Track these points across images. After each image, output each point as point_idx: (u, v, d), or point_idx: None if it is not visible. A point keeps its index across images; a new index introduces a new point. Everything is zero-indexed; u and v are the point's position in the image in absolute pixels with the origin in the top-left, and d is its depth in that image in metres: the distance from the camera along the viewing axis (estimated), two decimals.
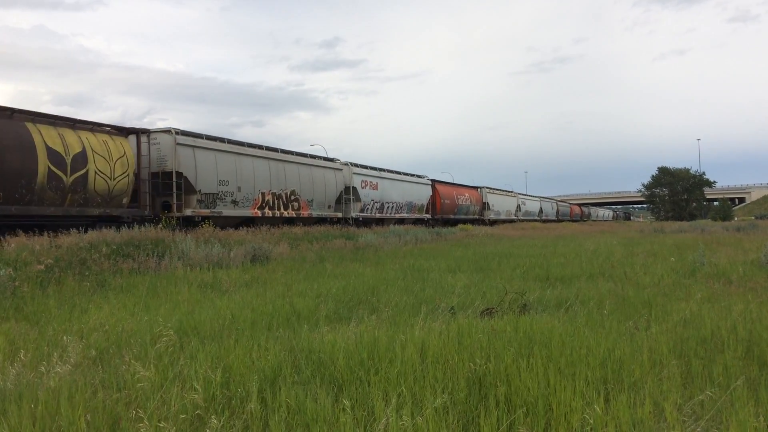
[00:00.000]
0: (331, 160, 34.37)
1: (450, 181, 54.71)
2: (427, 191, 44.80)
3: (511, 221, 59.71)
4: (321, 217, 31.21)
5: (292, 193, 28.85)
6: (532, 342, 5.32)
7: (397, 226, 33.83)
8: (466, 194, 52.04)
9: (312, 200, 30.53)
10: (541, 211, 75.65)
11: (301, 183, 29.56)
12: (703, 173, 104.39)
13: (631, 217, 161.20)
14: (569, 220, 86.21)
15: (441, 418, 3.66)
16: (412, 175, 43.23)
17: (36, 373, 4.69)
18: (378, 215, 37.08)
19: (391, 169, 40.04)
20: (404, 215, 40.39)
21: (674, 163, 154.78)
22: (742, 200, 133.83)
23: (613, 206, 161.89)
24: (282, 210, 28.04)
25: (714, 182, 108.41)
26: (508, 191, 65.42)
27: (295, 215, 28.78)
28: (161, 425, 3.58)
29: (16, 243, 12.60)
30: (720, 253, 15.39)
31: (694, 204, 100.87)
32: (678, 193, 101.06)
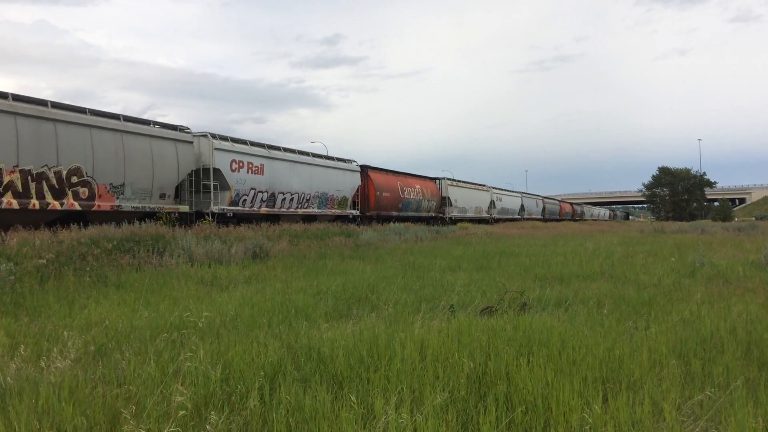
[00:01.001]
0: (174, 128, 22.88)
1: (410, 172, 43.66)
2: (354, 180, 33.77)
3: (483, 220, 52.21)
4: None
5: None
6: (531, 341, 5.33)
7: (298, 225, 24.30)
8: (417, 186, 41.96)
9: (121, 185, 19.72)
10: (522, 208, 67.58)
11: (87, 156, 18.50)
12: (704, 173, 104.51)
13: (630, 217, 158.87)
14: (557, 220, 79.06)
15: (440, 416, 3.67)
16: (329, 158, 32.74)
17: (36, 368, 4.70)
18: (264, 209, 26.27)
19: (296, 149, 29.95)
20: (313, 210, 29.82)
21: (675, 163, 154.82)
22: (742, 201, 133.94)
23: (614, 206, 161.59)
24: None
25: (715, 183, 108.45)
26: (480, 185, 55.75)
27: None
28: (160, 421, 3.59)
29: (18, 237, 12.60)
30: (720, 254, 15.40)
31: (695, 204, 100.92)
32: (678, 194, 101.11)
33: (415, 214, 40.86)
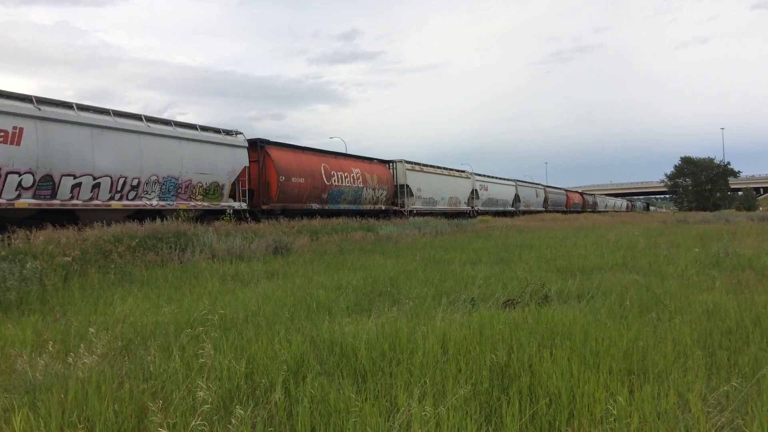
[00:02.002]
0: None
1: (347, 152, 36.55)
2: (237, 160, 23.76)
3: (460, 213, 43.97)
4: None
5: None
6: (554, 333, 5.31)
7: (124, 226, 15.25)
8: (355, 170, 31.18)
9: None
10: (517, 199, 58.83)
11: None
12: (728, 163, 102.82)
13: (650, 208, 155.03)
14: (563, 211, 70.62)
15: (463, 409, 3.67)
16: (190, 127, 22.26)
17: (64, 364, 4.78)
18: (25, 201, 15.89)
19: (115, 110, 19.30)
20: (147, 203, 19.65)
21: (697, 152, 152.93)
22: (767, 190, 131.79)
23: (635, 197, 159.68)
24: None
25: (738, 172, 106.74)
26: (458, 170, 46.38)
27: None
28: (187, 415, 3.63)
29: (44, 236, 12.80)
30: (745, 244, 15.18)
31: (718, 194, 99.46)
32: (701, 183, 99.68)
33: (352, 207, 30.83)
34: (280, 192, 25.48)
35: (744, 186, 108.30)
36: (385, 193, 34.72)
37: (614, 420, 3.56)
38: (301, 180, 26.94)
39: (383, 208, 34.53)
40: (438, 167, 42.24)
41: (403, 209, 36.18)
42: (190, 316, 6.67)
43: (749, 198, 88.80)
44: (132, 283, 10.10)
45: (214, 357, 4.79)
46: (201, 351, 4.88)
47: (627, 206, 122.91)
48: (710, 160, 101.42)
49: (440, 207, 41.25)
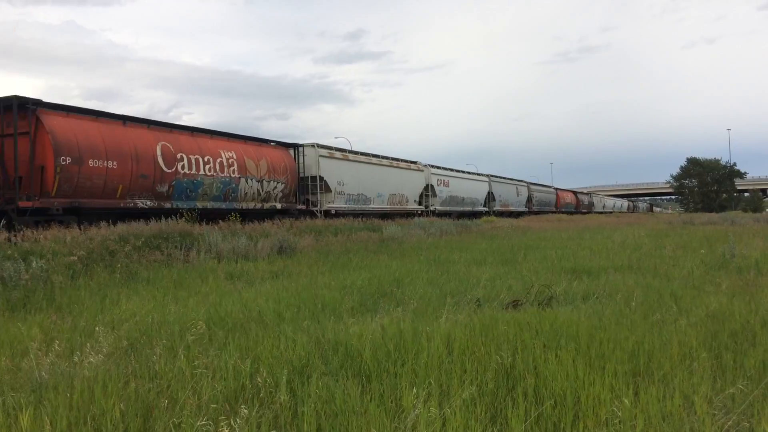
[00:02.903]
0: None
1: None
2: None
3: (410, 213, 35.80)
4: None
5: None
6: (559, 334, 5.30)
7: None
8: (227, 153, 22.52)
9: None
10: (491, 197, 50.09)
11: None
12: (734, 164, 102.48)
13: (654, 209, 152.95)
14: (553, 212, 63.84)
15: (469, 410, 3.67)
16: None
17: (70, 362, 4.80)
18: None
19: None
20: None
21: (704, 153, 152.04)
22: None
23: (641, 198, 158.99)
24: None
25: (745, 173, 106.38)
26: (408, 161, 37.77)
27: None
28: (193, 415, 3.64)
29: (51, 235, 12.85)
30: (751, 245, 15.12)
31: (724, 195, 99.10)
32: (707, 185, 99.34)
33: (222, 205, 22.15)
34: (61, 181, 16.37)
35: (750, 187, 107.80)
36: (282, 186, 25.45)
37: (619, 422, 3.56)
38: (112, 164, 17.75)
39: (279, 206, 25.33)
40: (372, 155, 33.81)
41: (316, 209, 27.80)
42: (196, 316, 6.69)
43: (755, 199, 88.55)
44: (138, 282, 10.13)
45: (219, 357, 4.80)
46: (206, 350, 4.89)
47: (629, 207, 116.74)
48: (716, 161, 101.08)
49: (375, 206, 32.52)
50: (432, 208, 39.27)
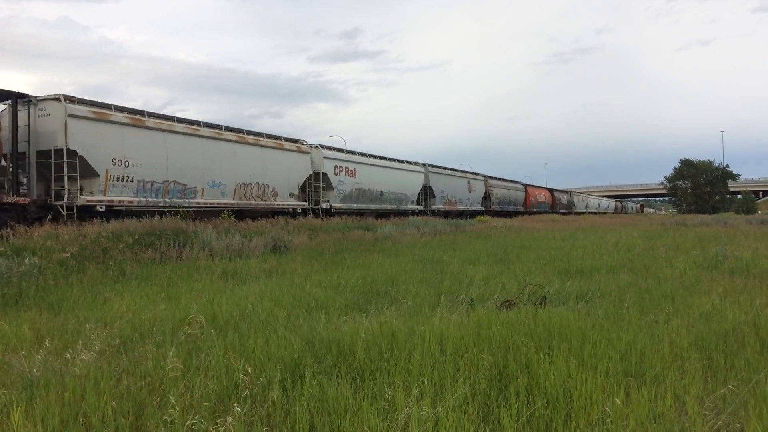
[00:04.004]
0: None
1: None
2: None
3: (282, 211, 25.64)
4: None
5: None
6: (552, 334, 5.31)
7: None
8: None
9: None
10: (428, 194, 39.39)
11: None
12: (727, 166, 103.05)
13: (646, 210, 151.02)
14: (521, 212, 55.16)
15: (462, 409, 3.68)
16: None
17: (62, 360, 4.78)
18: None
19: None
20: None
21: (698, 155, 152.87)
22: (766, 193, 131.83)
23: (634, 198, 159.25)
24: None
25: (737, 175, 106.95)
26: (291, 140, 27.83)
27: None
28: (185, 413, 3.64)
29: (44, 232, 12.80)
30: (743, 247, 15.19)
31: (717, 197, 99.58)
32: (701, 186, 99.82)
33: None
34: None
35: (743, 189, 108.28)
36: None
37: (611, 422, 3.57)
38: None
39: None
40: (200, 124, 22.44)
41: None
42: (188, 314, 6.67)
43: (748, 201, 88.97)
44: (130, 279, 10.10)
45: (211, 355, 4.79)
46: (198, 348, 4.88)
47: (616, 207, 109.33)
48: (709, 163, 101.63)
49: (207, 200, 22.09)
50: (330, 206, 29.13)
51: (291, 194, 26.88)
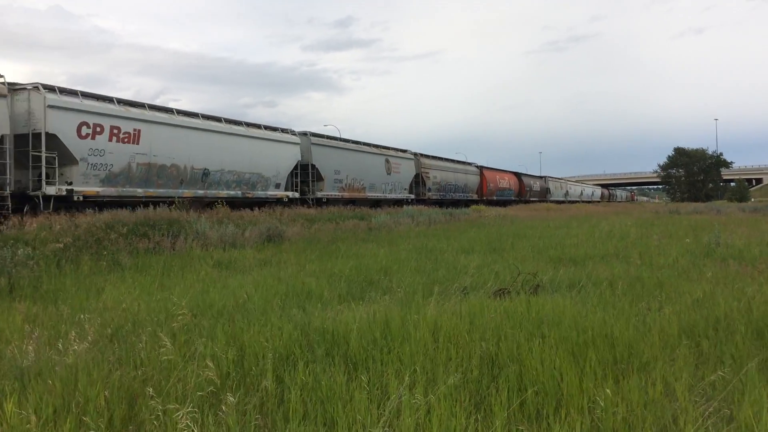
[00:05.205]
0: None
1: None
2: None
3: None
4: None
5: None
6: (543, 323, 5.34)
7: None
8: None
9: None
10: (317, 175, 27.34)
11: None
12: (720, 154, 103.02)
13: (636, 198, 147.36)
14: (474, 200, 44.19)
15: (453, 397, 3.70)
16: None
17: (54, 350, 4.77)
18: None
19: None
20: None
21: (691, 143, 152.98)
22: (759, 181, 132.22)
23: (629, 187, 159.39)
24: None
25: (731, 163, 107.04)
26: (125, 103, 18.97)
27: None
28: (178, 402, 3.65)
29: (37, 222, 12.75)
30: (736, 234, 15.26)
31: (711, 185, 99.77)
32: (694, 174, 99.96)
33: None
34: None
35: (736, 177, 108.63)
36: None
37: (601, 409, 3.59)
38: None
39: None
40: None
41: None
42: (182, 304, 6.67)
43: (741, 189, 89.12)
44: (124, 269, 10.08)
45: (205, 344, 4.80)
46: (191, 338, 4.89)
47: (602, 195, 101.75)
48: (703, 151, 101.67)
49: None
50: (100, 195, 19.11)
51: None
